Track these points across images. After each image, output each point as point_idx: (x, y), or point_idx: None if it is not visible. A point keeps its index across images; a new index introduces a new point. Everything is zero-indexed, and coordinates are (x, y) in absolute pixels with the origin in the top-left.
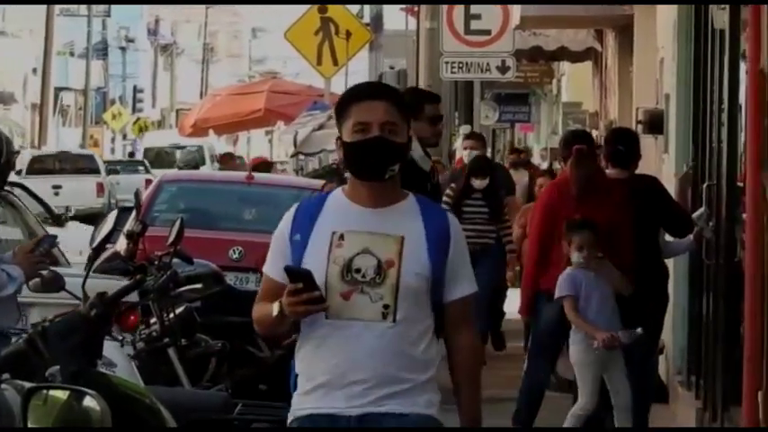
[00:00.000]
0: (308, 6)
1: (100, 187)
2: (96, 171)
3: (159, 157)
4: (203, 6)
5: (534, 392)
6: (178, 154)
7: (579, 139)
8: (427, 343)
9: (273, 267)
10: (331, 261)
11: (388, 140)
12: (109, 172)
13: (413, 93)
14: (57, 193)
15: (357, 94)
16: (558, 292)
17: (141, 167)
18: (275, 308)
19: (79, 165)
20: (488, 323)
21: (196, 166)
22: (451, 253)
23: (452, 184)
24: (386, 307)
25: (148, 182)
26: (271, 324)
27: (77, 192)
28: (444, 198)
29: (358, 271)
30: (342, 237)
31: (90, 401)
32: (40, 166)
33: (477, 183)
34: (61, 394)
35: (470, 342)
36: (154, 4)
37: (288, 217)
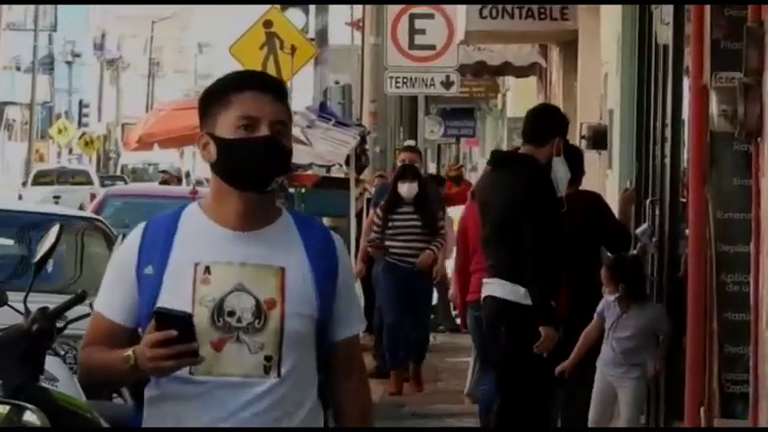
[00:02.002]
0: (254, 21)
1: (93, 197)
2: (90, 183)
3: (135, 174)
4: (150, 21)
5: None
6: (151, 171)
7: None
8: (313, 404)
9: (111, 304)
10: (197, 302)
11: (280, 143)
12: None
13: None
14: (57, 202)
15: (242, 82)
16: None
17: (121, 182)
18: (126, 359)
19: (76, 178)
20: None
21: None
22: (340, 283)
23: (382, 202)
24: (268, 359)
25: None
26: (113, 377)
27: (74, 200)
28: (375, 219)
29: (232, 314)
30: (207, 270)
31: (30, 416)
32: (42, 178)
33: (405, 188)
34: (1, 409)
35: (362, 386)
36: (131, 4)
37: (132, 242)
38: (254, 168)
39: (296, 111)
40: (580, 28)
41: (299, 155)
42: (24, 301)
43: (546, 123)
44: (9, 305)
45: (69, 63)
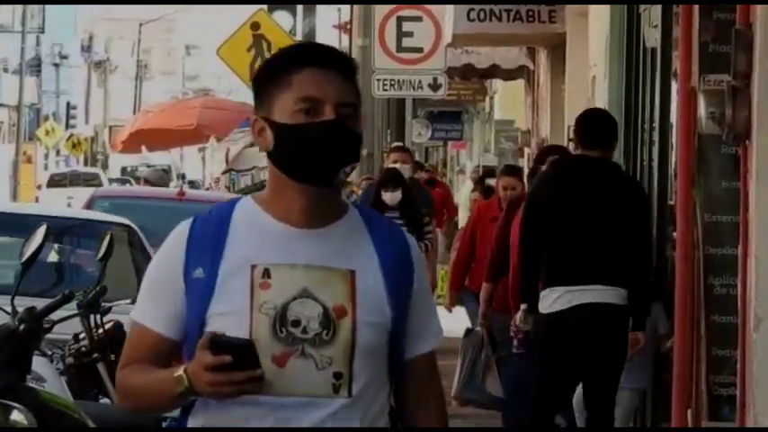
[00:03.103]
0: (241, 23)
1: None
2: (101, 184)
3: (132, 176)
4: (137, 23)
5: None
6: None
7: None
8: (384, 424)
9: (154, 314)
10: (256, 309)
11: (346, 129)
12: None
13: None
14: (69, 204)
15: (303, 57)
16: None
17: (128, 184)
18: (177, 380)
19: (87, 180)
20: None
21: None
22: (415, 290)
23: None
24: (338, 376)
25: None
26: (161, 401)
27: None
28: None
29: (296, 324)
30: (267, 273)
31: (17, 416)
32: (56, 181)
33: (388, 196)
34: None
35: (441, 414)
36: (118, 4)
37: (177, 241)
38: (317, 158)
39: None
40: (568, 31)
41: None
42: (12, 302)
43: (611, 127)
44: None
45: (57, 65)
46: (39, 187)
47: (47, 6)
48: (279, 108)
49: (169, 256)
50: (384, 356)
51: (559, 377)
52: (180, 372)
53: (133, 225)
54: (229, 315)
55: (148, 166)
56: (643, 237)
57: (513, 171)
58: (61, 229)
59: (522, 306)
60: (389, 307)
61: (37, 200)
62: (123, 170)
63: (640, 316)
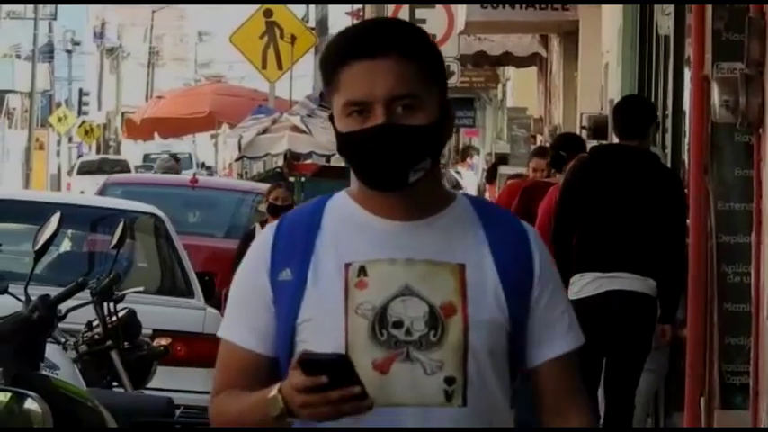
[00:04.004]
0: (254, 10)
1: None
2: (128, 171)
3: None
4: (149, 9)
5: None
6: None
7: (569, 143)
8: None
9: (242, 328)
10: (351, 311)
11: (400, 128)
12: None
13: None
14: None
15: (347, 50)
16: None
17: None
18: (272, 402)
19: (115, 167)
20: None
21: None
22: (537, 285)
23: None
24: (450, 381)
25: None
26: (257, 424)
27: None
28: None
29: (399, 325)
30: (363, 270)
31: (31, 404)
32: (85, 168)
33: None
34: (2, 396)
35: (583, 423)
36: (104, 4)
37: (262, 244)
38: (375, 167)
39: (296, 100)
40: (581, 18)
41: (300, 144)
42: (25, 290)
43: (645, 114)
44: (9, 293)
45: (69, 52)
46: (69, 173)
47: None
48: (336, 110)
49: (253, 261)
50: (504, 360)
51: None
52: (274, 392)
53: (160, 213)
54: (322, 320)
55: (170, 155)
56: (677, 229)
57: (543, 153)
58: (93, 219)
59: None
60: (506, 304)
61: (69, 186)
62: (145, 157)
63: (670, 308)
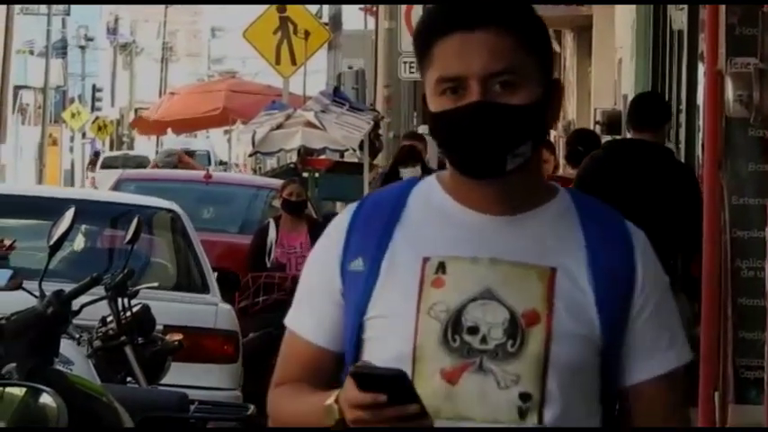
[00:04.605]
0: (267, 6)
1: None
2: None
3: None
4: (162, 5)
5: None
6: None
7: (585, 139)
8: None
9: (307, 320)
10: (423, 312)
11: (497, 106)
12: None
13: None
14: None
15: (441, 22)
16: None
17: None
18: (328, 410)
19: (137, 162)
20: None
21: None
22: (639, 296)
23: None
24: (525, 398)
25: None
26: (311, 426)
27: None
28: None
29: (474, 331)
30: (442, 267)
31: (46, 399)
32: (109, 163)
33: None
34: (18, 391)
35: None
36: (115, 4)
37: (337, 227)
38: (469, 150)
39: (310, 96)
40: (594, 13)
41: (313, 139)
42: (40, 285)
43: (659, 109)
44: (23, 288)
45: (83, 47)
46: (93, 166)
47: None
48: (428, 87)
49: (325, 246)
50: (594, 378)
51: None
52: (331, 400)
53: (178, 209)
54: (392, 318)
55: (187, 151)
56: (694, 223)
57: (549, 145)
58: (111, 215)
59: None
60: (599, 317)
61: (93, 180)
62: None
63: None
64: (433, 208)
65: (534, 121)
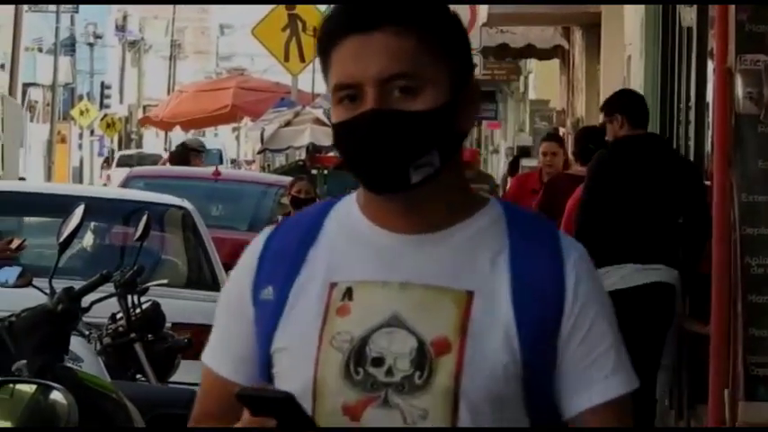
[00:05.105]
0: (276, 2)
1: None
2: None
3: None
4: (171, 3)
5: None
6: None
7: (594, 136)
8: None
9: (222, 355)
10: (326, 342)
11: (393, 114)
12: None
13: None
14: None
15: (338, 25)
16: None
17: None
18: None
19: (152, 160)
20: None
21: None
22: (569, 318)
23: None
24: None
25: None
26: None
27: None
28: None
29: (379, 363)
30: (349, 293)
31: (57, 396)
32: (124, 161)
33: None
34: (28, 388)
35: None
36: (124, 4)
37: (250, 253)
38: (366, 163)
39: (318, 93)
40: (603, 10)
41: (322, 136)
42: (50, 282)
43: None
44: (34, 285)
45: (91, 45)
46: (107, 162)
47: None
48: (331, 96)
49: (238, 276)
50: (517, 410)
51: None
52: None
53: (189, 206)
54: (295, 350)
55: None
56: (704, 218)
57: (554, 137)
58: (122, 212)
59: None
60: (520, 344)
61: (108, 178)
62: None
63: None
64: (347, 228)
65: (439, 128)
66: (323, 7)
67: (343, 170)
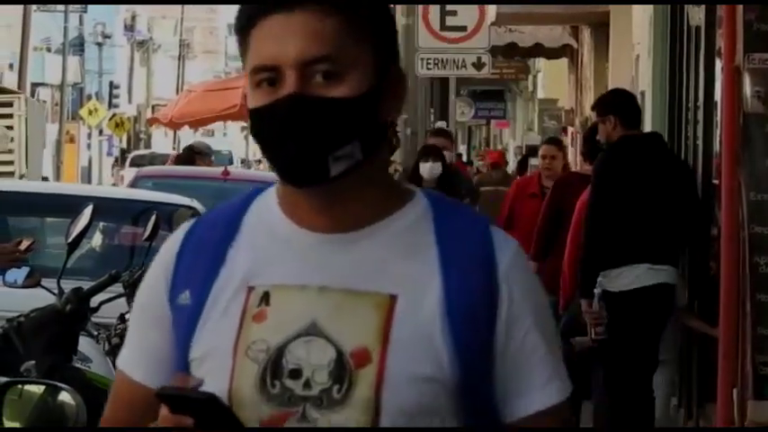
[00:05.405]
0: None
1: None
2: None
3: None
4: (180, 2)
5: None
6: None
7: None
8: None
9: (136, 358)
10: (241, 352)
11: (313, 100)
12: None
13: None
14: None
15: (257, 5)
16: None
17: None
18: None
19: (163, 160)
20: None
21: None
22: (503, 324)
23: None
24: None
25: None
26: None
27: None
28: None
29: (296, 375)
30: (266, 298)
31: (65, 396)
32: (137, 161)
33: (428, 167)
34: (36, 389)
35: None
36: (133, 4)
37: (166, 253)
38: (282, 153)
39: None
40: (611, 9)
41: None
42: (58, 282)
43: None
44: (42, 286)
45: (100, 44)
46: (114, 165)
47: None
48: (248, 83)
49: (154, 276)
50: (449, 423)
51: (647, 351)
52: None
53: (198, 206)
54: (210, 360)
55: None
56: (705, 217)
57: (554, 141)
58: (132, 212)
59: (597, 290)
60: (448, 353)
61: (123, 178)
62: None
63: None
64: (266, 226)
65: (362, 116)
66: None
67: None
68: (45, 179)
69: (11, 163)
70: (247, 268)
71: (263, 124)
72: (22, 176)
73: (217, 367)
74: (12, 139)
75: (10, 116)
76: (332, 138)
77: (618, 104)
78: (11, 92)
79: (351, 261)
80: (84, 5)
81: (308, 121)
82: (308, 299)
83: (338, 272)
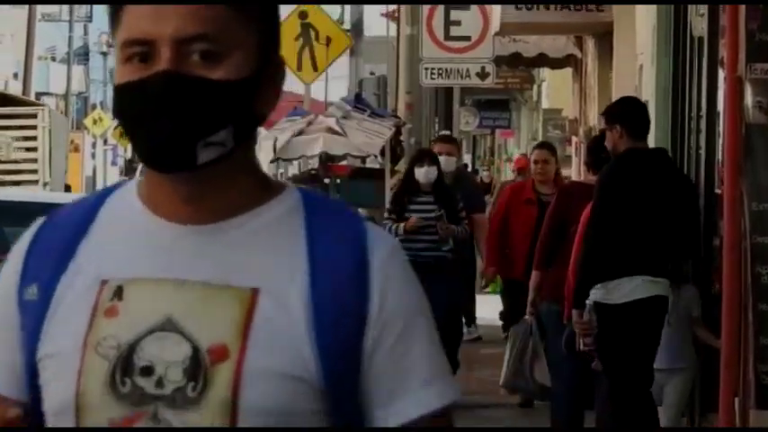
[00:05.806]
0: (289, 12)
1: None
2: None
3: None
4: None
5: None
6: None
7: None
8: None
9: None
10: (91, 348)
11: (187, 79)
12: None
13: None
14: None
15: None
16: None
17: None
18: None
19: None
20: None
21: None
22: (374, 324)
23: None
24: None
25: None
26: None
27: None
28: (387, 207)
29: (148, 372)
30: (119, 292)
31: None
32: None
33: (423, 173)
34: None
35: None
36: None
37: (19, 246)
38: (147, 133)
39: (331, 102)
40: (615, 19)
41: (335, 145)
42: None
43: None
44: None
45: (104, 54)
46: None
47: None
48: (116, 57)
49: (4, 272)
50: (316, 424)
51: (643, 362)
52: None
53: None
54: (57, 358)
55: None
56: (697, 231)
57: (546, 145)
58: None
59: (590, 301)
60: (313, 351)
61: None
62: None
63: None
64: (122, 218)
65: (238, 102)
66: (335, 16)
67: (356, 179)
68: (68, 187)
69: (35, 172)
70: (101, 262)
71: (131, 101)
72: (45, 185)
73: (65, 365)
74: (27, 149)
75: (34, 127)
76: (205, 121)
77: (625, 114)
78: (35, 104)
79: (213, 253)
80: (88, 15)
81: (181, 101)
82: (164, 293)
83: (199, 265)
